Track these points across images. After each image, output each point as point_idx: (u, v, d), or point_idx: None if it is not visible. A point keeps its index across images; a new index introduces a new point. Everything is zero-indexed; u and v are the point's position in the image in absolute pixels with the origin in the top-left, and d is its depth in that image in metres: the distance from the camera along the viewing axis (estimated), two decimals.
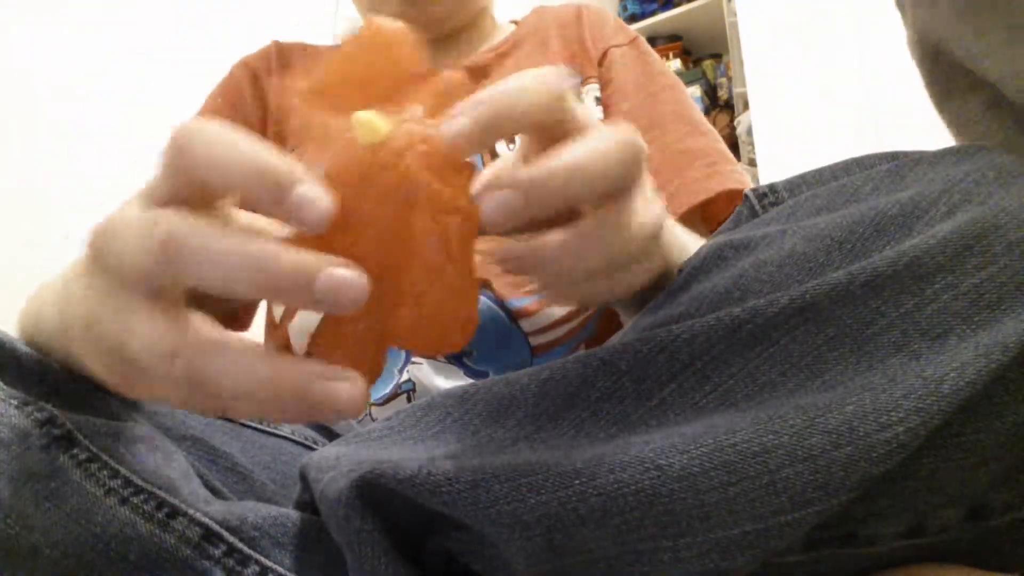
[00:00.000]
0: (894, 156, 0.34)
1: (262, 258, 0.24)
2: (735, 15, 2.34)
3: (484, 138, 0.27)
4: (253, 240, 0.24)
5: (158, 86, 1.62)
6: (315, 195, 0.24)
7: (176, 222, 0.24)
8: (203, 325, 0.25)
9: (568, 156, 0.28)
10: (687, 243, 0.39)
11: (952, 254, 0.27)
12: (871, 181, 0.32)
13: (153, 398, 0.28)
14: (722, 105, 2.75)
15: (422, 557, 0.33)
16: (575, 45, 0.75)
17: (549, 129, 0.30)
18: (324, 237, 0.25)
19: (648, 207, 0.32)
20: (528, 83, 0.28)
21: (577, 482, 0.27)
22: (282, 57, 0.78)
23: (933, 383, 0.25)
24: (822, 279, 0.28)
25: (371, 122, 0.26)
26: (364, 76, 0.28)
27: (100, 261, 0.27)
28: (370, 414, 0.63)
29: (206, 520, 0.33)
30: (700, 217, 0.64)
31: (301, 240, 0.25)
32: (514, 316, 0.61)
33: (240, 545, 0.34)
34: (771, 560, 0.27)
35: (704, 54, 2.89)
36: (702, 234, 0.44)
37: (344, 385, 0.24)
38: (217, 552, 0.33)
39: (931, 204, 0.29)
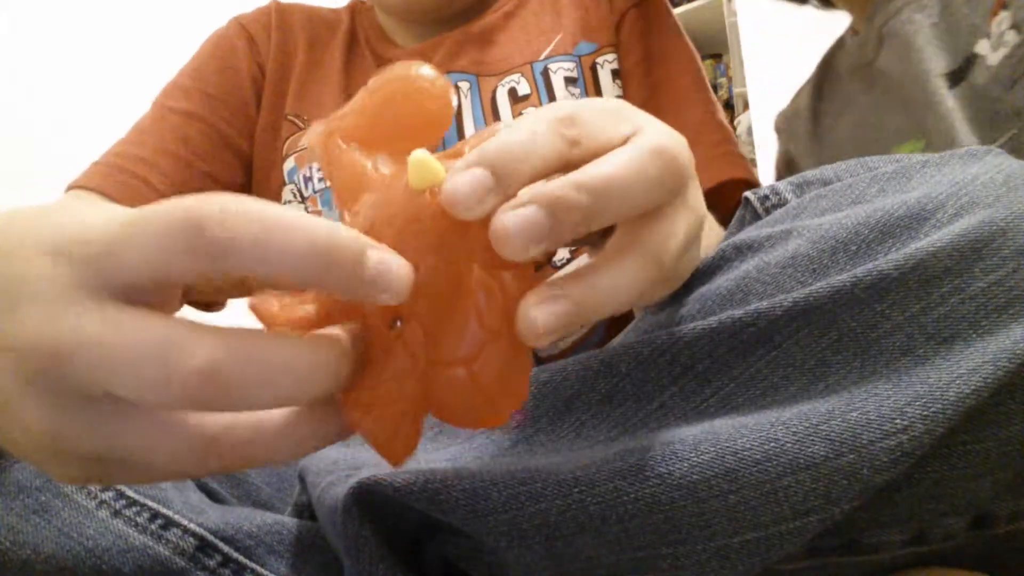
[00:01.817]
0: (899, 158, 0.33)
1: (328, 367, 0.20)
2: (735, 15, 2.33)
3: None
4: (306, 348, 0.20)
5: (149, 49, 1.58)
6: (393, 263, 0.20)
7: (211, 349, 0.19)
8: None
9: (599, 170, 0.23)
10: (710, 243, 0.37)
11: (959, 258, 0.27)
12: (877, 183, 0.32)
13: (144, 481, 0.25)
14: (722, 105, 2.75)
15: (420, 563, 0.33)
16: (590, 3, 0.68)
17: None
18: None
19: (690, 222, 0.27)
20: (630, 169, 0.24)
21: (576, 490, 0.27)
22: (282, 18, 0.72)
23: (939, 389, 0.25)
24: (826, 281, 0.28)
25: (427, 163, 0.22)
26: (394, 124, 0.25)
27: (65, 386, 0.20)
28: None
29: (200, 531, 0.33)
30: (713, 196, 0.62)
31: (334, 302, 0.23)
32: None
33: (235, 555, 0.34)
34: (772, 567, 0.27)
35: (704, 54, 2.89)
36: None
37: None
38: (212, 562, 0.33)
39: (938, 207, 0.28)
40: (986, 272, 0.27)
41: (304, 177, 0.64)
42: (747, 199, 0.37)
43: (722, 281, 0.32)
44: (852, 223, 0.29)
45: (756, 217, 0.36)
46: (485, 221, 0.22)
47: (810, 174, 0.36)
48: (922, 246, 0.27)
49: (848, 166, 0.35)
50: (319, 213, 0.63)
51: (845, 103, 0.69)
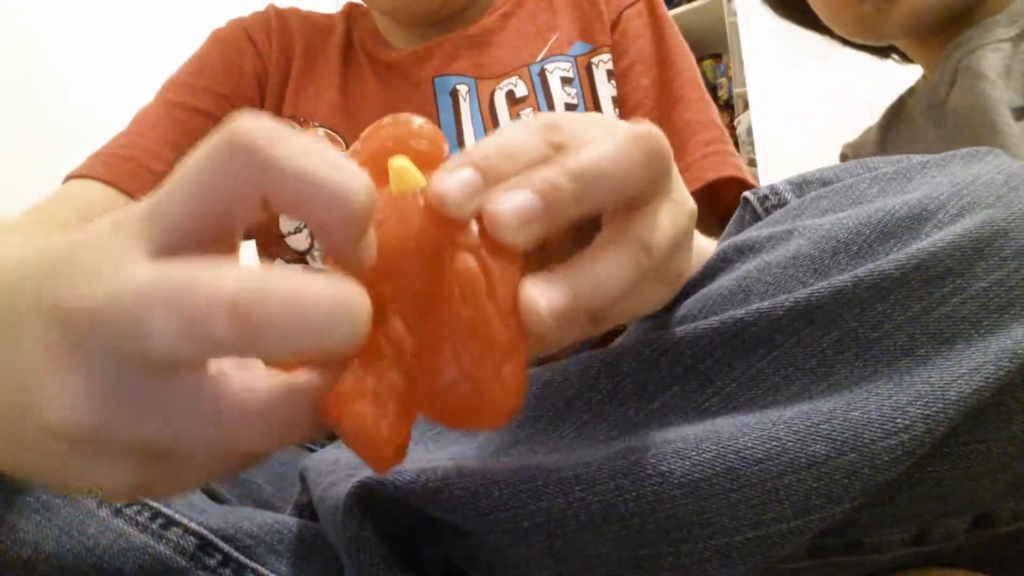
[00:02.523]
0: (899, 159, 0.33)
1: (354, 303, 0.20)
2: (735, 15, 2.33)
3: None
4: (334, 283, 0.20)
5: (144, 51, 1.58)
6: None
7: (237, 280, 0.18)
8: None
9: (586, 154, 0.24)
10: (705, 248, 0.37)
11: (961, 257, 0.27)
12: (878, 183, 0.32)
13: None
14: (722, 105, 2.75)
15: (420, 564, 0.33)
16: (585, 3, 0.69)
17: None
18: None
19: (676, 213, 0.28)
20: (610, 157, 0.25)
21: (578, 488, 0.27)
22: (281, 23, 0.71)
23: (940, 389, 0.25)
24: (827, 281, 0.28)
25: (407, 170, 0.23)
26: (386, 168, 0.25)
27: (103, 354, 0.20)
28: None
29: (201, 530, 0.33)
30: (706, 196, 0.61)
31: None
32: None
33: (236, 554, 0.34)
34: (774, 567, 0.27)
35: (704, 54, 2.88)
36: (710, 224, 0.42)
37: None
38: (213, 562, 0.33)
39: (939, 207, 0.28)
40: (987, 272, 0.27)
41: None
42: (747, 199, 0.37)
43: (723, 281, 0.32)
44: (854, 223, 0.29)
45: (756, 217, 0.36)
46: (466, 223, 0.23)
47: (810, 174, 0.36)
48: (923, 246, 0.27)
49: (848, 167, 0.35)
50: None
51: (914, 137, 0.72)
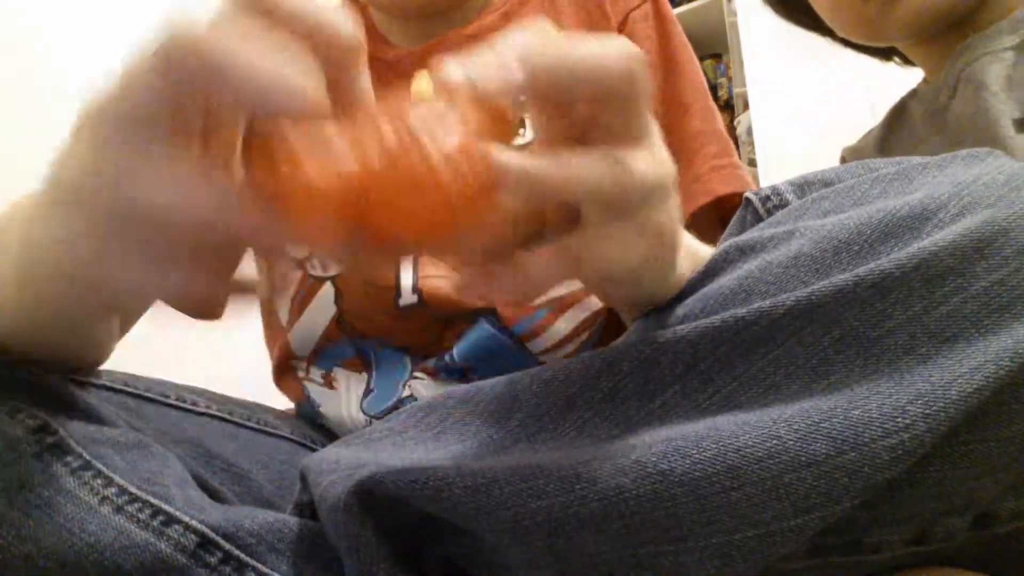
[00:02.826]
0: (900, 160, 0.33)
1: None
2: (735, 15, 2.33)
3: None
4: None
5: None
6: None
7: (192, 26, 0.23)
8: None
9: (570, 45, 0.26)
10: (704, 251, 0.38)
11: (962, 257, 0.27)
12: (879, 184, 0.32)
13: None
14: (722, 105, 2.75)
15: (421, 563, 0.33)
16: (590, 4, 0.67)
17: None
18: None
19: (655, 164, 0.29)
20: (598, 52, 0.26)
21: (578, 487, 0.27)
22: None
23: (941, 388, 0.25)
24: (828, 280, 0.28)
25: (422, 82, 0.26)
26: None
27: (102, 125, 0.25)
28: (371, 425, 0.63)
29: (202, 527, 0.33)
30: (712, 210, 0.62)
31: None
32: (521, 340, 0.60)
33: (236, 552, 0.34)
34: (774, 566, 0.27)
35: (704, 54, 2.89)
36: (715, 237, 0.42)
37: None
38: (213, 560, 0.33)
39: (940, 207, 0.28)
40: (988, 271, 0.27)
41: None
42: (748, 199, 0.37)
43: (724, 281, 0.32)
44: (855, 223, 0.29)
45: (757, 218, 0.36)
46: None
47: (811, 175, 0.36)
48: (924, 245, 0.27)
49: (850, 168, 0.35)
50: None
51: (916, 140, 0.71)
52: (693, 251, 0.36)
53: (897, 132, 0.76)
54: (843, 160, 0.86)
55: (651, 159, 0.28)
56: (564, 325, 0.60)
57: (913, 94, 0.77)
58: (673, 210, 0.31)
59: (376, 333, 0.59)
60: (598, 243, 0.28)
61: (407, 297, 0.58)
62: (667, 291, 0.34)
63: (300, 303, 0.61)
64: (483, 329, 0.58)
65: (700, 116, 0.63)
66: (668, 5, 0.69)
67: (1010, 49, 0.59)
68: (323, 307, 0.60)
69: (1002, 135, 0.56)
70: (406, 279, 0.58)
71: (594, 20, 0.67)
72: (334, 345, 0.61)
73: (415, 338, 0.59)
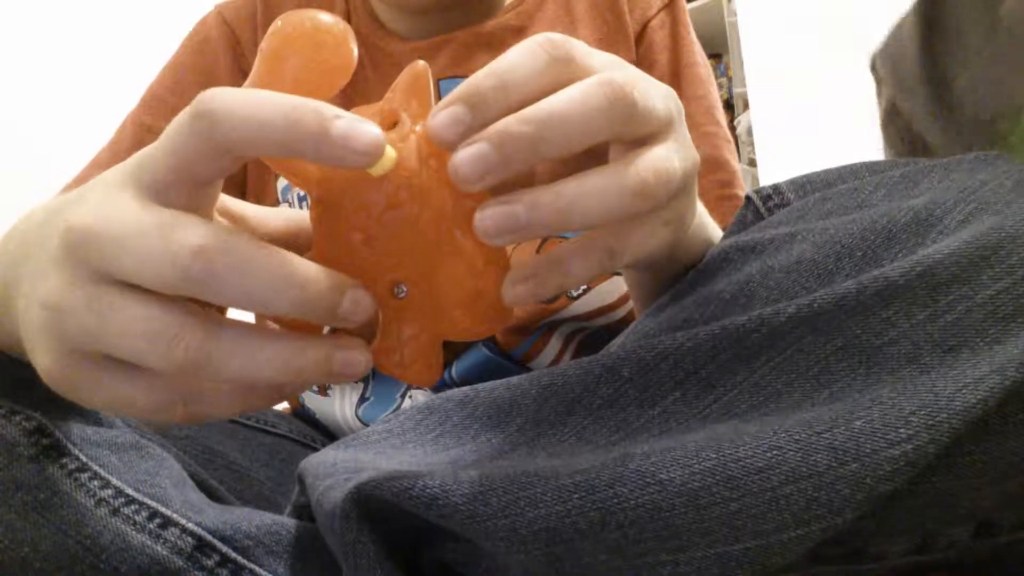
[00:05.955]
0: (906, 162, 0.33)
1: (296, 279, 0.24)
2: (735, 15, 2.33)
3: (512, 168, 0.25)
4: (287, 259, 0.24)
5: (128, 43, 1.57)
6: (358, 124, 0.23)
7: (207, 234, 0.23)
8: (198, 309, 0.25)
9: (545, 105, 0.26)
10: (711, 230, 0.39)
11: (967, 265, 0.26)
12: (883, 186, 0.32)
13: (105, 404, 0.26)
14: (722, 105, 2.75)
15: (418, 568, 0.33)
16: (607, 12, 0.65)
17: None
18: (351, 255, 0.27)
19: (679, 157, 0.29)
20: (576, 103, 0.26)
21: (576, 496, 0.26)
22: (268, 9, 0.65)
23: (944, 398, 0.25)
24: (831, 288, 0.28)
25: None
26: (294, 83, 0.27)
27: (87, 262, 0.24)
28: None
29: (199, 530, 0.33)
30: None
31: (325, 256, 0.26)
32: (520, 362, 0.60)
33: (233, 555, 0.34)
34: None
35: (704, 54, 2.89)
36: None
37: (357, 352, 0.26)
38: (210, 562, 0.33)
39: (945, 212, 0.28)
40: (994, 280, 0.26)
41: (299, 196, 0.62)
42: (749, 198, 0.37)
43: (724, 284, 0.32)
44: (858, 228, 0.29)
45: (758, 216, 0.36)
46: (448, 183, 0.26)
47: (813, 175, 0.36)
48: (929, 253, 0.27)
49: (853, 168, 0.35)
50: None
51: (963, 49, 0.56)
52: (704, 226, 0.38)
53: (939, 35, 0.61)
54: (874, 66, 0.69)
55: (675, 150, 0.29)
56: (556, 342, 0.61)
57: None
58: (694, 195, 0.32)
59: None
60: (628, 235, 0.29)
61: None
62: (677, 261, 0.36)
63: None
64: (480, 353, 0.59)
65: (711, 141, 0.64)
66: (685, 12, 0.67)
67: None
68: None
69: None
70: None
71: (611, 29, 0.65)
72: None
73: None
